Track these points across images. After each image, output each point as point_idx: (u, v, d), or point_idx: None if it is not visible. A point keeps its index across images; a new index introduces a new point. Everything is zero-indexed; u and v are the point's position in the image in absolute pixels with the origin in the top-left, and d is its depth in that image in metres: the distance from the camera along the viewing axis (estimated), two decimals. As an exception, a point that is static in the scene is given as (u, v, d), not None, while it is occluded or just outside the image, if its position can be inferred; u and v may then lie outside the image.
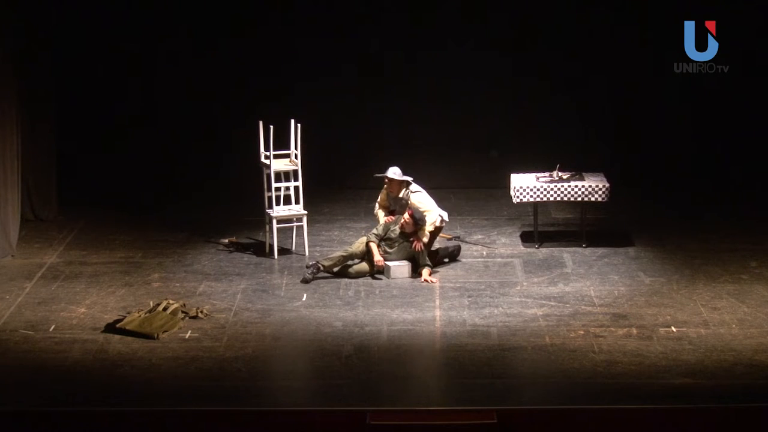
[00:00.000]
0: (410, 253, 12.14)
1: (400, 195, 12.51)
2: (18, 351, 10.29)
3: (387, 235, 12.18)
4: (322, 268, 12.04)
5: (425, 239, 12.17)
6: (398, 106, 15.19)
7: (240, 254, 12.86)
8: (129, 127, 15.17)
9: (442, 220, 12.53)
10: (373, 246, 12.08)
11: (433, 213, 12.36)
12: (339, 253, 12.18)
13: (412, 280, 12.00)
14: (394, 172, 12.50)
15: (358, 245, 12.19)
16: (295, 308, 11.28)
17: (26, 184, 13.67)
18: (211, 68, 15.07)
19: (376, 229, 12.23)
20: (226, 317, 11.04)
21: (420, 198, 12.46)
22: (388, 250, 12.16)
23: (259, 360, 10.11)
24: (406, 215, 12.10)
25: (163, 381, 9.69)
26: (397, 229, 12.16)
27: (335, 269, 12.11)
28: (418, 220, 12.10)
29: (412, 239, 12.11)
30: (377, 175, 12.72)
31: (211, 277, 12.13)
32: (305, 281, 11.95)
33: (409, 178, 12.59)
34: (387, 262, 12.10)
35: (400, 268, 12.09)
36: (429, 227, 12.35)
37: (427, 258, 12.09)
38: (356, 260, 12.19)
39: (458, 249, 12.71)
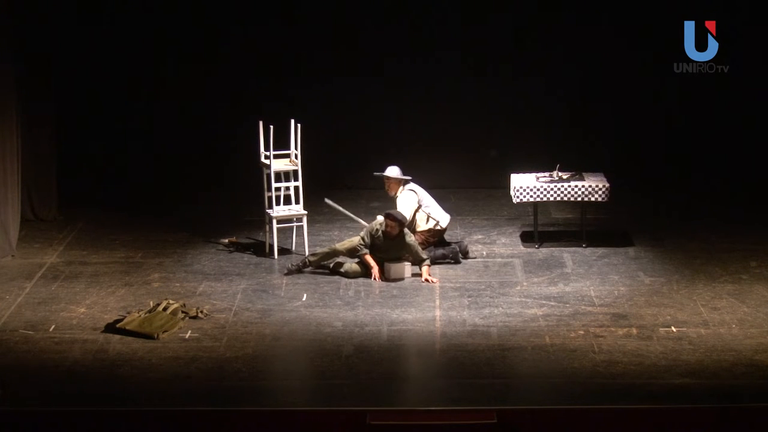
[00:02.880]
0: (402, 254, 12.11)
1: (397, 193, 12.58)
2: (18, 351, 10.30)
3: (374, 242, 12.15)
4: (308, 262, 12.12)
5: (412, 239, 12.12)
6: (398, 106, 15.18)
7: (240, 254, 12.86)
8: (129, 127, 15.17)
9: (437, 224, 12.54)
10: (370, 259, 12.08)
11: (407, 213, 12.36)
12: (325, 249, 12.28)
13: (412, 280, 12.01)
14: (391, 171, 12.57)
15: (347, 244, 12.23)
16: (295, 308, 11.28)
17: (26, 184, 13.67)
18: (211, 68, 15.06)
19: (363, 239, 12.19)
20: (226, 317, 11.04)
21: (402, 199, 12.49)
22: (378, 255, 12.14)
23: (259, 360, 10.11)
24: (387, 218, 12.08)
25: (163, 381, 9.70)
26: (381, 234, 12.13)
27: (322, 263, 12.20)
28: (399, 220, 12.06)
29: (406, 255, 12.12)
30: (376, 173, 12.76)
31: (211, 277, 12.13)
32: (288, 273, 12.09)
33: (408, 178, 12.62)
34: (386, 263, 12.10)
35: (400, 267, 12.08)
36: (423, 227, 12.39)
37: (423, 253, 12.06)
38: (351, 261, 12.19)
39: (454, 252, 12.63)
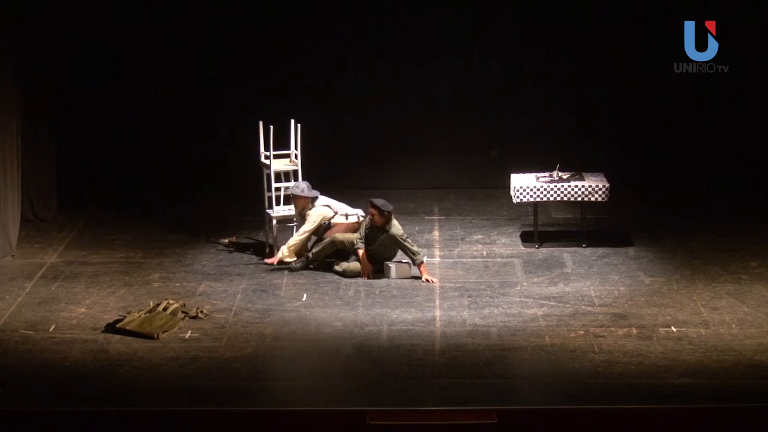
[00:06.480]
0: (390, 245, 12.12)
1: (307, 211, 12.49)
2: (18, 351, 10.30)
3: (366, 234, 12.21)
4: (311, 256, 12.21)
5: (398, 231, 12.10)
6: (398, 106, 15.18)
7: (240, 254, 12.86)
8: (129, 127, 15.17)
9: (357, 216, 12.51)
10: (362, 255, 12.13)
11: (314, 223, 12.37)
12: (326, 241, 12.31)
13: (412, 280, 12.01)
14: (296, 187, 12.46)
15: (348, 236, 12.30)
16: (295, 308, 11.28)
17: (26, 184, 13.67)
18: (211, 68, 15.06)
19: (359, 233, 12.26)
20: (226, 317, 11.04)
21: (315, 209, 12.44)
22: (368, 248, 12.16)
23: (259, 360, 10.11)
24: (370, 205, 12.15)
25: (163, 381, 9.70)
26: (369, 223, 12.17)
27: (323, 256, 12.26)
28: (378, 207, 12.05)
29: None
30: (288, 192, 12.65)
31: (211, 277, 12.14)
32: (292, 270, 12.16)
33: (315, 193, 12.50)
34: (387, 262, 12.11)
35: (400, 267, 12.09)
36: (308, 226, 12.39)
37: (413, 245, 12.05)
38: (350, 262, 12.21)
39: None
